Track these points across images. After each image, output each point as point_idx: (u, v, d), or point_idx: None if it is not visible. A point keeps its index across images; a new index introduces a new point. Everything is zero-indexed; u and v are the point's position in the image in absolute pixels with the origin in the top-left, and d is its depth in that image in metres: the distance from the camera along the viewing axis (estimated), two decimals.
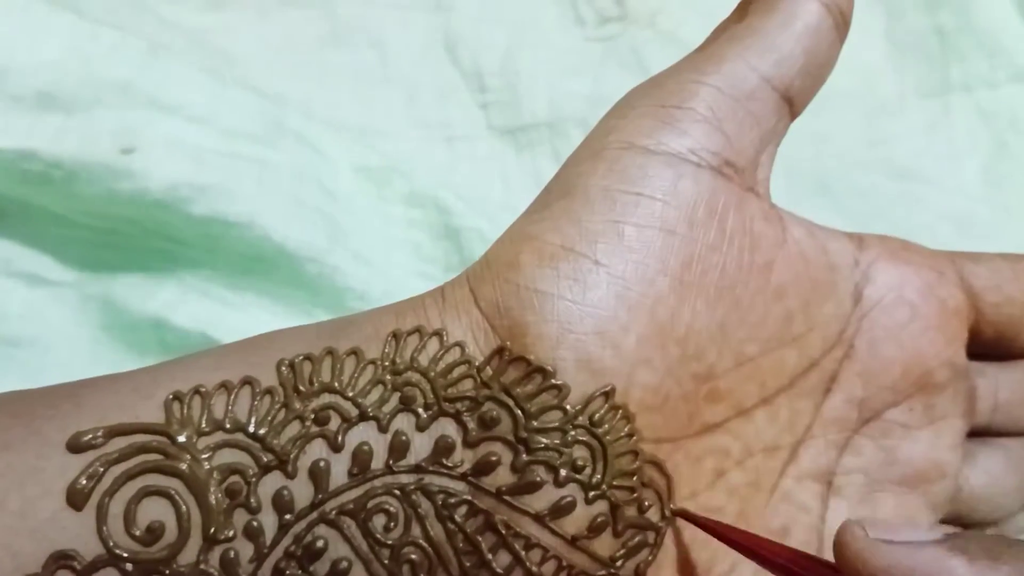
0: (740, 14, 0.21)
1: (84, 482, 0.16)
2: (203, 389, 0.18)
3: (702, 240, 0.19)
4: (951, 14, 0.37)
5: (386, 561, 0.18)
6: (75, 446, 0.16)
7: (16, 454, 0.16)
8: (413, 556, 0.18)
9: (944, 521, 0.24)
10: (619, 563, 0.18)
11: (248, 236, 0.28)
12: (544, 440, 0.18)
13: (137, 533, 0.16)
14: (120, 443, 0.17)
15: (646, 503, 0.19)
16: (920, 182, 0.36)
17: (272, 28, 0.32)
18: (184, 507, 0.17)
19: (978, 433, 0.25)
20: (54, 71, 0.27)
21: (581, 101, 0.32)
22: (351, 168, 0.30)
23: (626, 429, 0.18)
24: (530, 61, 0.33)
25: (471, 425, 0.18)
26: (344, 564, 0.17)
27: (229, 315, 0.28)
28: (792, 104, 0.21)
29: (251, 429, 0.17)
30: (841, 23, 0.21)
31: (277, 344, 0.19)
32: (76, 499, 0.16)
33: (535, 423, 0.18)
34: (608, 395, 0.18)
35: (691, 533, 0.20)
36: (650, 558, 0.19)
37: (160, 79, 0.28)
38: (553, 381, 0.18)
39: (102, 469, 0.16)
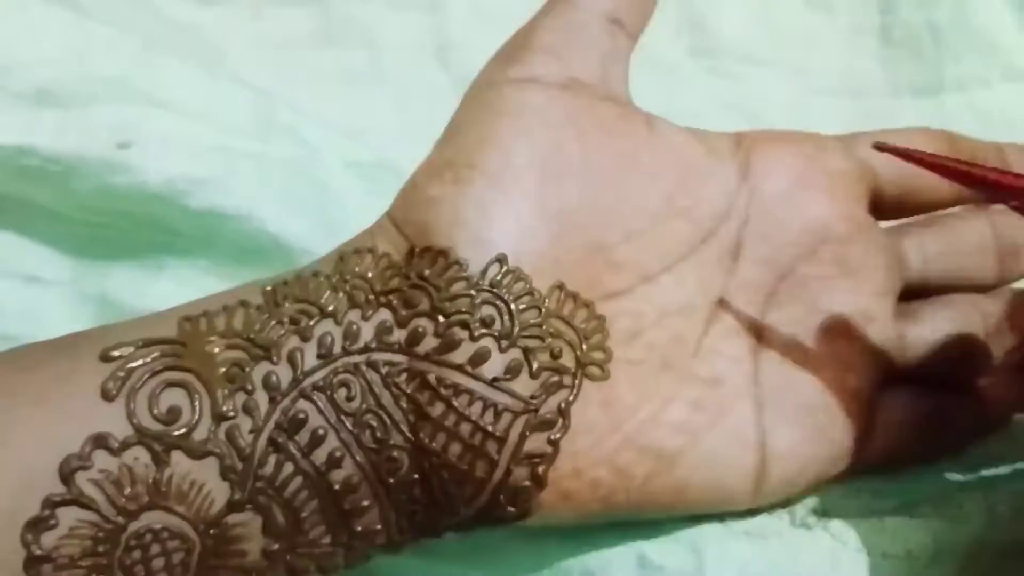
0: None
1: (114, 381, 0.21)
2: (208, 311, 0.22)
3: (558, 136, 0.23)
4: (946, 10, 0.37)
5: (351, 427, 0.22)
6: (106, 357, 0.21)
7: (56, 366, 0.21)
8: (372, 422, 0.22)
9: (899, 379, 0.26)
10: (538, 399, 0.22)
11: (245, 228, 0.30)
12: (456, 306, 0.22)
13: (159, 415, 0.21)
14: (143, 351, 0.21)
15: (558, 349, 0.22)
16: None
17: (265, 25, 0.34)
18: (196, 394, 0.21)
19: (919, 295, 0.27)
20: (52, 68, 0.29)
21: None
22: (342, 163, 0.32)
23: (526, 288, 0.22)
24: None
25: (401, 310, 0.22)
26: (321, 431, 0.21)
27: None
28: (623, 24, 0.25)
29: (245, 334, 0.22)
30: None
31: (262, 283, 0.24)
32: (108, 393, 0.21)
33: (445, 294, 0.22)
34: (502, 261, 0.22)
35: (618, 375, 0.23)
36: (571, 398, 0.22)
37: (156, 75, 0.30)
38: (453, 258, 0.22)
39: (130, 367, 0.21)
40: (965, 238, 0.27)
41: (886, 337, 0.25)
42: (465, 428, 0.21)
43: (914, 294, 0.27)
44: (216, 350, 0.22)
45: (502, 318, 0.22)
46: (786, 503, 0.25)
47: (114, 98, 0.30)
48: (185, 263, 0.31)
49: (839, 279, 0.25)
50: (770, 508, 0.25)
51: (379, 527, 0.22)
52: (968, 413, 0.27)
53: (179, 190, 0.30)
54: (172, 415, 0.21)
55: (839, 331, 0.25)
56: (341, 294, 0.23)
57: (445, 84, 0.35)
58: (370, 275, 0.23)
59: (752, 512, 0.24)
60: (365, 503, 0.22)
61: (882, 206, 0.27)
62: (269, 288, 0.23)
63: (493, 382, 0.22)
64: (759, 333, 0.25)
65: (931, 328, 0.26)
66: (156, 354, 0.21)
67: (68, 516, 0.20)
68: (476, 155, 0.23)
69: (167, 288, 0.31)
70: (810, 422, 0.24)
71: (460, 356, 0.22)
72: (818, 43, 0.39)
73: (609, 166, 0.24)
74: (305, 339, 0.22)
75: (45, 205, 0.30)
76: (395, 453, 0.22)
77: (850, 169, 0.26)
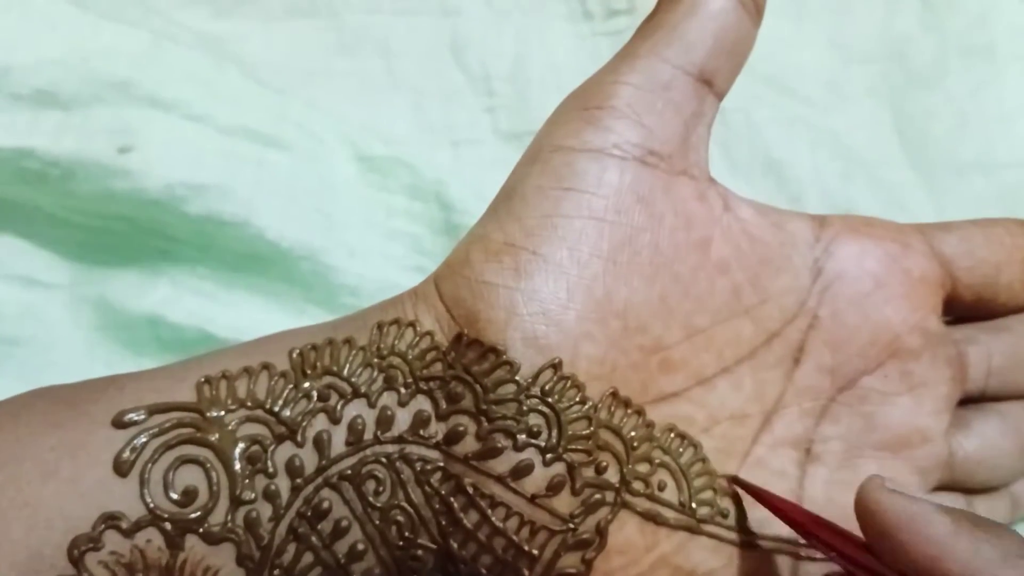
0: (653, 11, 0.23)
1: (128, 453, 0.19)
2: (229, 373, 0.21)
3: (631, 224, 0.21)
4: None
5: (377, 522, 0.20)
6: (119, 423, 0.20)
7: (67, 431, 0.20)
8: (400, 518, 0.20)
9: (942, 488, 0.25)
10: (578, 519, 0.20)
11: (243, 235, 0.29)
12: (501, 411, 0.20)
13: (174, 496, 0.19)
14: (159, 419, 0.20)
15: (603, 464, 0.21)
16: (967, 153, 0.34)
17: (279, 37, 0.33)
18: (214, 473, 0.20)
19: (975, 400, 0.25)
20: (54, 68, 0.28)
21: None
22: (355, 157, 0.31)
23: (577, 397, 0.21)
24: (538, 60, 0.33)
25: (441, 402, 0.21)
26: (345, 523, 0.20)
27: (223, 312, 0.30)
28: (712, 84, 0.22)
29: (268, 405, 0.20)
30: (750, 2, 0.22)
31: (289, 338, 0.22)
32: (121, 467, 0.19)
33: (492, 396, 0.20)
34: (556, 367, 0.20)
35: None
36: (610, 516, 0.21)
37: (160, 75, 0.29)
38: (504, 358, 0.20)
39: (144, 440, 0.19)
40: None
41: (938, 458, 0.24)
42: (499, 542, 0.20)
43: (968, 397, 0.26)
44: (235, 423, 0.20)
45: (550, 429, 0.21)
46: None
47: (116, 99, 0.28)
48: (183, 269, 0.30)
49: (901, 395, 0.24)
50: None
51: None
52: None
53: (177, 196, 0.28)
54: (188, 496, 0.19)
55: (892, 450, 0.23)
56: (376, 372, 0.21)
57: (462, 84, 0.34)
58: (410, 356, 0.21)
59: None
60: None
61: (955, 307, 0.25)
62: (296, 353, 0.21)
63: (533, 498, 0.20)
64: (809, 446, 0.23)
65: (980, 442, 0.25)
66: (172, 422, 0.20)
67: None
68: (540, 240, 0.21)
69: (165, 293, 0.30)
70: None
71: (501, 465, 0.20)
72: (851, 6, 0.36)
73: (679, 258, 0.22)
74: (334, 421, 0.21)
75: (45, 208, 0.29)
76: (420, 552, 0.21)
77: (932, 275, 0.24)
